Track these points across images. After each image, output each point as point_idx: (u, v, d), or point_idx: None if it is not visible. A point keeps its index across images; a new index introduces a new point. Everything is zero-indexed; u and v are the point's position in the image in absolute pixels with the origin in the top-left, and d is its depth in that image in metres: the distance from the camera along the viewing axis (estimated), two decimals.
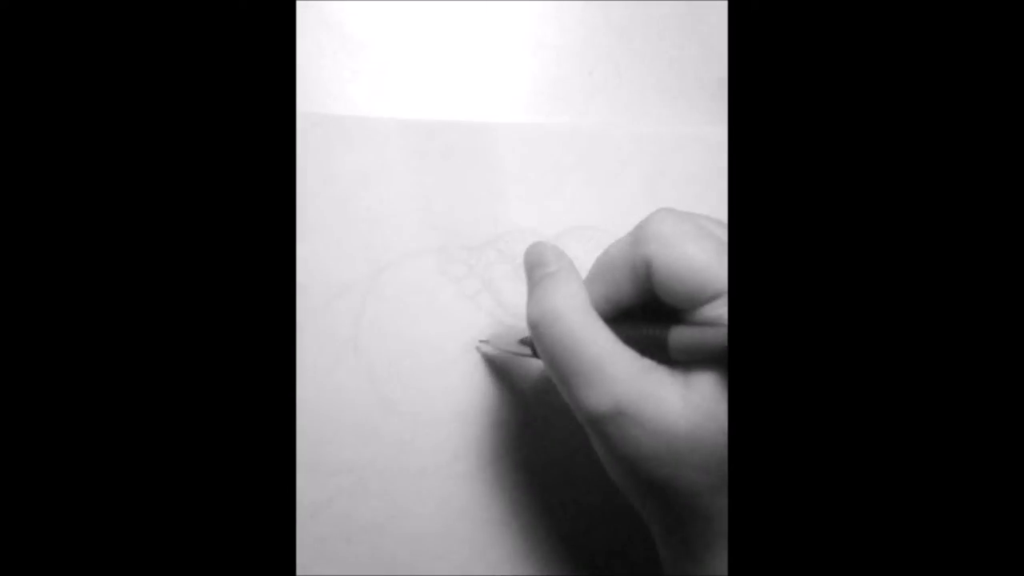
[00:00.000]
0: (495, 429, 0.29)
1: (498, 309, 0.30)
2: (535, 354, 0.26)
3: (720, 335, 0.20)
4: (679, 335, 0.21)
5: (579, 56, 0.34)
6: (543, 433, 0.29)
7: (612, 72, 0.34)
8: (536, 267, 0.25)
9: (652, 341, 0.22)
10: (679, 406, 0.20)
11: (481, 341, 0.30)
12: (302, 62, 0.32)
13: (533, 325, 0.23)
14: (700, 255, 0.21)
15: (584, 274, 0.24)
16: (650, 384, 0.21)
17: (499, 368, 0.30)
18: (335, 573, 0.27)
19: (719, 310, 0.20)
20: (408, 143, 0.31)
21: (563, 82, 0.34)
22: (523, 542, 0.29)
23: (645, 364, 0.21)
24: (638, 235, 0.22)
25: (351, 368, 0.29)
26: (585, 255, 0.31)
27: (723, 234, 0.21)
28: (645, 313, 0.23)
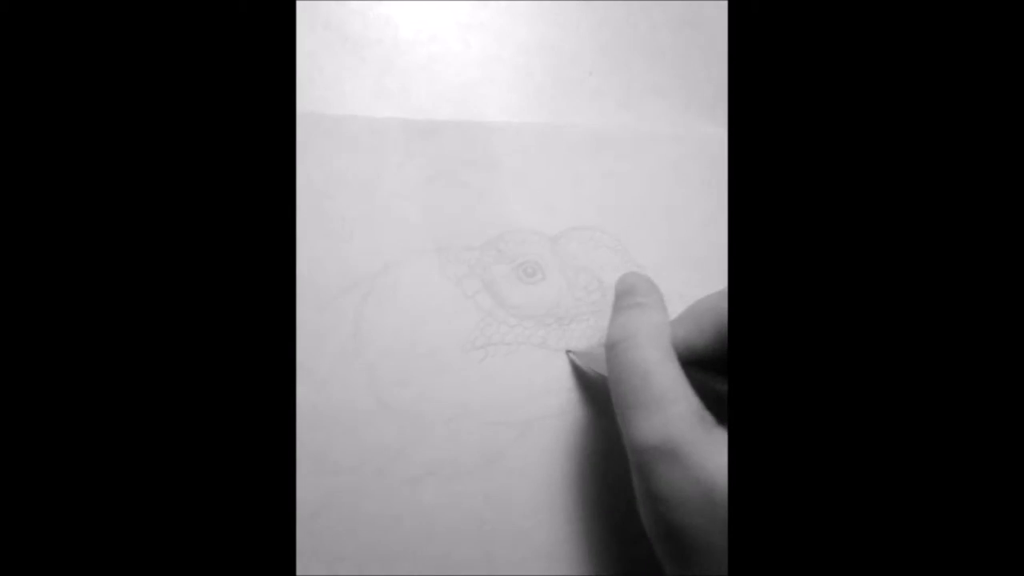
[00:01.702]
0: (495, 429, 0.29)
1: (498, 309, 0.30)
2: None
3: None
4: None
5: (579, 56, 0.34)
6: (543, 433, 0.29)
7: (612, 72, 0.34)
8: (627, 295, 0.25)
9: (718, 394, 0.22)
10: (722, 464, 0.20)
11: (569, 351, 0.30)
12: (302, 62, 0.32)
13: (610, 346, 0.24)
14: None
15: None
16: (705, 432, 0.21)
17: (500, 368, 0.30)
18: (335, 573, 0.27)
19: None
20: (408, 143, 0.31)
21: (563, 82, 0.34)
22: (523, 542, 0.29)
23: (704, 414, 0.21)
24: None
25: (351, 368, 0.29)
26: (585, 255, 0.31)
27: None
28: (718, 364, 0.23)
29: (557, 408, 0.30)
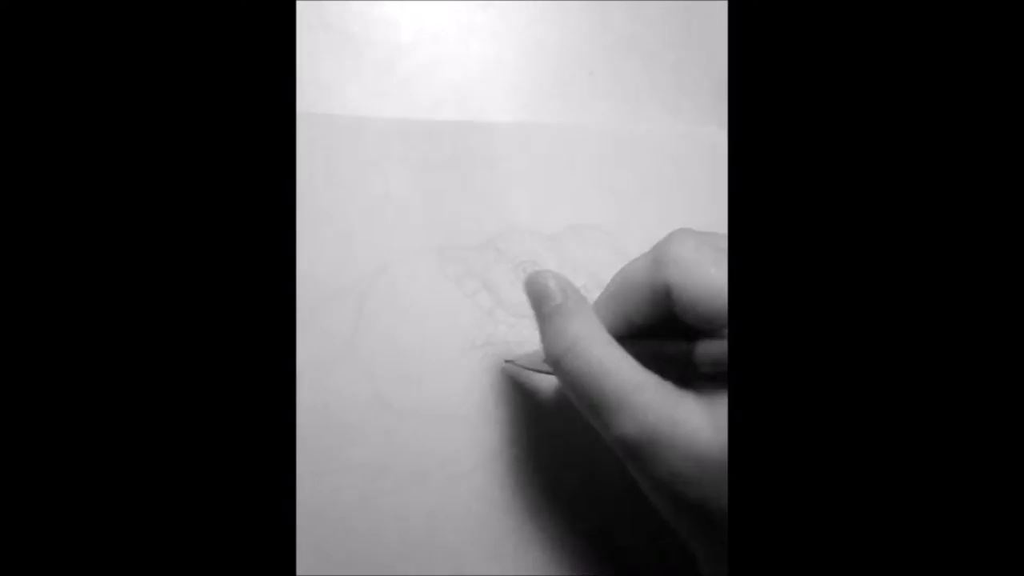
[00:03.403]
0: (494, 428, 0.29)
1: (498, 309, 0.30)
2: None
3: None
4: (706, 349, 0.21)
5: (579, 56, 0.34)
6: (543, 432, 0.29)
7: (612, 72, 0.34)
8: (542, 301, 0.25)
9: (673, 356, 0.22)
10: (708, 429, 0.20)
11: (507, 361, 0.30)
12: (302, 62, 0.32)
13: (554, 362, 0.23)
14: (722, 278, 0.21)
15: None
16: (677, 409, 0.21)
17: (500, 368, 0.30)
18: (335, 573, 0.27)
19: None
20: (408, 143, 0.31)
21: (563, 82, 0.34)
22: (522, 542, 0.29)
23: (669, 388, 0.21)
24: (657, 258, 0.22)
25: (351, 368, 0.29)
26: (585, 255, 0.32)
27: None
28: (662, 329, 0.23)
29: (557, 407, 0.30)
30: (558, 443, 0.29)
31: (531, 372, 0.29)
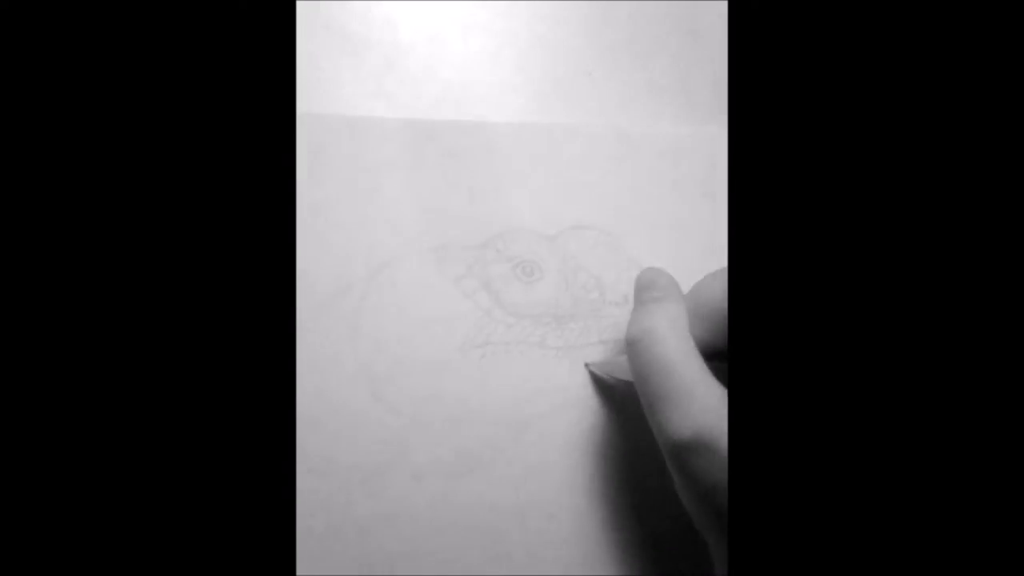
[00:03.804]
0: (494, 429, 0.29)
1: (497, 308, 0.30)
2: None
3: None
4: None
5: (579, 56, 0.34)
6: (542, 432, 0.29)
7: (612, 72, 0.34)
8: (645, 290, 0.26)
9: None
10: None
11: (587, 363, 0.30)
12: (302, 62, 0.32)
13: (631, 342, 0.24)
14: None
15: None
16: None
17: (498, 367, 0.30)
18: (335, 573, 0.27)
19: None
20: (408, 143, 0.31)
21: (563, 82, 0.34)
22: (522, 541, 0.29)
23: None
24: None
25: (349, 367, 0.29)
26: (583, 255, 0.32)
27: None
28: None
29: (555, 407, 0.30)
30: (558, 443, 0.29)
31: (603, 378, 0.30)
